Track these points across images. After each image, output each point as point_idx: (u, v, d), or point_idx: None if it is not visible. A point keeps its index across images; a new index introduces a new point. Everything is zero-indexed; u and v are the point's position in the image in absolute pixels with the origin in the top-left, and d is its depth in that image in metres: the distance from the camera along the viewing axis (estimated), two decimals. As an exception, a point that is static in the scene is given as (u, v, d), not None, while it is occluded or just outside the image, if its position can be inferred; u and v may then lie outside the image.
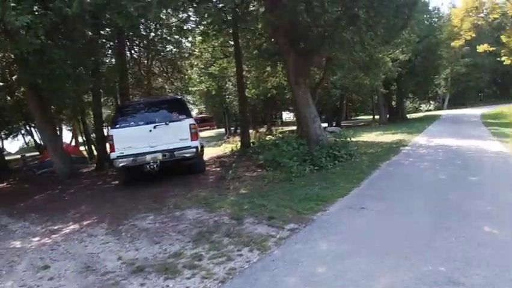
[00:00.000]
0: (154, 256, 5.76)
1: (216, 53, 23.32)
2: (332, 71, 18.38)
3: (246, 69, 22.51)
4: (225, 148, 19.62)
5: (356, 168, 11.79)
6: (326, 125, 35.91)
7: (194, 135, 11.40)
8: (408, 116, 44.19)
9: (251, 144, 18.33)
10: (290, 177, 10.55)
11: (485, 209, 6.94)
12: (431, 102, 67.37)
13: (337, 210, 7.46)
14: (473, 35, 39.96)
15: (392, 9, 12.24)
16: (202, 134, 41.75)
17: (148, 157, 11.11)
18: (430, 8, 39.25)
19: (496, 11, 37.31)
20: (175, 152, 11.16)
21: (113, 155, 11.25)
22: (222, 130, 47.16)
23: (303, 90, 13.57)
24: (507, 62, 37.45)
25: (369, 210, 7.31)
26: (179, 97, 14.47)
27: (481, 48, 39.31)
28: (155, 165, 11.10)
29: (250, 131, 27.11)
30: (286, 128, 34.07)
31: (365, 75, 20.03)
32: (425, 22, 35.84)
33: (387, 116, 39.49)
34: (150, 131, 11.15)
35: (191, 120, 11.70)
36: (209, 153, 19.27)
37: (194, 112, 57.69)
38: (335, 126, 34.43)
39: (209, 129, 52.61)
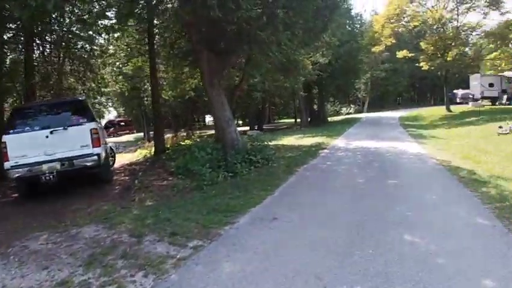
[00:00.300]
0: (39, 284, 4.93)
1: (133, 52, 22.05)
2: (249, 73, 17.68)
3: (163, 69, 21.48)
4: (139, 154, 18.43)
5: (272, 173, 11.30)
6: (247, 128, 35.65)
7: (96, 141, 10.26)
8: (329, 119, 45.01)
9: (166, 149, 17.29)
10: (202, 186, 9.80)
11: (404, 214, 6.66)
12: (351, 105, 68.99)
13: (247, 223, 6.80)
14: (394, 41, 41.09)
15: (311, 10, 11.87)
16: (120, 139, 40.77)
17: (45, 167, 9.84)
18: (353, 13, 40.21)
19: (416, 19, 38.65)
20: (74, 161, 9.99)
21: (6, 165, 9.88)
22: (142, 134, 45.47)
23: (217, 92, 12.86)
24: (425, 67, 39.06)
25: (282, 221, 6.73)
26: (80, 98, 13.09)
27: (401, 54, 40.57)
28: (51, 176, 9.88)
29: (170, 135, 26.12)
30: (209, 132, 33.34)
31: (285, 77, 19.63)
32: (347, 27, 36.50)
33: (309, 119, 39.90)
34: (47, 137, 9.94)
35: (93, 125, 10.50)
36: (122, 159, 18.16)
37: (112, 115, 55.55)
38: (256, 129, 34.16)
39: (128, 133, 50.68)
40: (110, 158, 15.38)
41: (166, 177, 11.98)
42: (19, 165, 9.81)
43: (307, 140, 20.85)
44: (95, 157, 10.18)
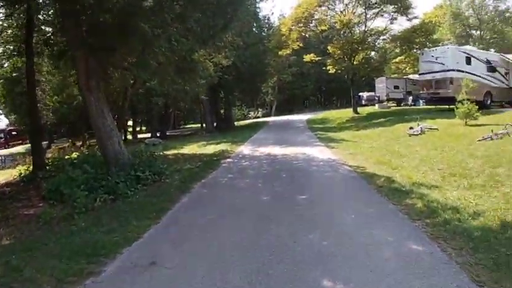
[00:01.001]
0: None
1: (13, 50, 19.29)
2: (137, 74, 15.42)
3: (46, 70, 19.02)
4: (18, 171, 15.75)
5: (163, 193, 9.46)
6: (149, 135, 33.66)
7: None
8: (236, 123, 44.61)
9: (47, 165, 14.63)
10: (73, 215, 7.80)
11: (320, 245, 5.36)
12: (259, 109, 69.09)
13: (115, 272, 5.05)
14: (301, 45, 41.01)
15: (211, 4, 10.61)
16: (10, 151, 36.80)
17: None
18: (260, 16, 39.63)
19: (324, 23, 38.83)
20: None
21: None
22: (34, 145, 41.34)
23: (96, 97, 10.79)
24: (332, 71, 39.59)
25: (161, 267, 5.06)
26: None
27: (308, 57, 40.54)
28: None
29: (64, 145, 23.41)
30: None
31: (183, 80, 17.86)
32: (254, 30, 36.18)
33: (215, 124, 38.82)
34: None
35: None
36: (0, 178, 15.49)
37: (3, 123, 50.75)
38: (158, 136, 32.25)
39: (21, 143, 46.08)
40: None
41: (36, 203, 9.72)
42: None
43: (211, 148, 19.47)
44: None
